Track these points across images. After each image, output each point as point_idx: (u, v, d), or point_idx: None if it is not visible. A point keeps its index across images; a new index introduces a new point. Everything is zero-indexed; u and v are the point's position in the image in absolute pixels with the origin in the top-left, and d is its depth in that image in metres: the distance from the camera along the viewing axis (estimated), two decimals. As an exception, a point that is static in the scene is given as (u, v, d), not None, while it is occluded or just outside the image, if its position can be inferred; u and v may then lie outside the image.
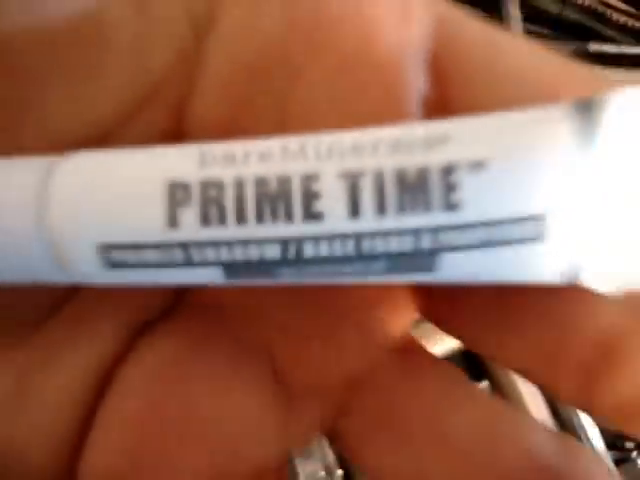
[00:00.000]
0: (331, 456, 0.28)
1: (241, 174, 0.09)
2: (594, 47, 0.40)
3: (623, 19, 0.41)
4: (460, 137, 0.09)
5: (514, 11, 0.40)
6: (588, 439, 0.30)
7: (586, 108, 0.09)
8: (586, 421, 0.31)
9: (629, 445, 0.33)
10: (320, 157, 0.09)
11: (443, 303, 0.12)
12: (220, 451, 0.11)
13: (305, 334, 0.12)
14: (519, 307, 0.11)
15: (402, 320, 0.12)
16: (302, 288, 0.11)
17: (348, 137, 0.09)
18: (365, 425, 0.12)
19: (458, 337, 0.12)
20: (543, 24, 0.42)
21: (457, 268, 0.09)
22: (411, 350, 0.12)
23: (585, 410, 0.11)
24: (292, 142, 0.09)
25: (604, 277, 0.09)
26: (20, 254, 0.10)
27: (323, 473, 0.29)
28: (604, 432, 0.31)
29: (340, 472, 0.28)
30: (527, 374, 0.11)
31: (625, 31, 0.41)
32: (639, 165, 0.08)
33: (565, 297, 0.10)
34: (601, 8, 0.41)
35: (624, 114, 0.08)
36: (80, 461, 0.11)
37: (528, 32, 0.40)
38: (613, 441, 0.32)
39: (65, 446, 0.11)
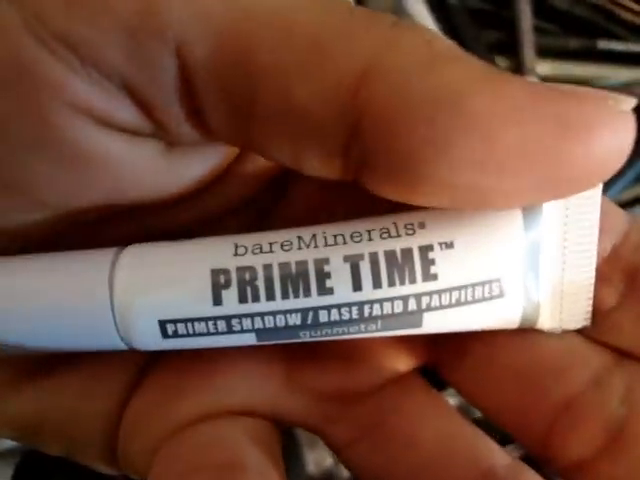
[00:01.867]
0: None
1: (268, 261, 0.12)
2: (602, 44, 0.40)
3: (632, 17, 0.41)
4: (433, 224, 0.12)
5: (524, 7, 0.41)
6: None
7: (528, 211, 0.12)
8: None
9: None
10: (328, 245, 0.12)
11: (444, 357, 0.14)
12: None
13: (327, 355, 0.14)
14: (501, 362, 0.13)
15: (405, 362, 0.14)
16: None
17: (348, 227, 0.12)
18: (352, 431, 0.14)
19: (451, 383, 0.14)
20: (552, 20, 0.42)
21: (438, 324, 0.12)
22: (406, 381, 0.14)
23: (543, 460, 0.13)
24: (305, 233, 0.12)
25: (552, 322, 0.13)
26: (94, 329, 0.12)
27: (331, 461, 0.30)
28: None
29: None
30: (500, 419, 0.13)
31: (633, 29, 0.41)
32: (566, 246, 0.12)
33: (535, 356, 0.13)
34: (610, 6, 0.41)
35: (550, 214, 0.12)
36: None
37: (537, 28, 0.41)
38: None
39: (106, 428, 0.14)
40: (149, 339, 0.12)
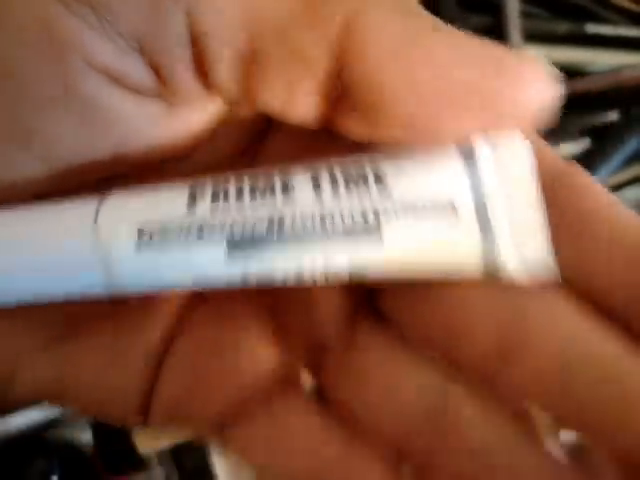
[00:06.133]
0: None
1: (239, 183, 0.13)
2: (591, 28, 0.40)
3: (620, 1, 0.41)
4: (385, 157, 0.13)
5: (512, -10, 0.40)
6: None
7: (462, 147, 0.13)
8: None
9: None
10: (290, 172, 0.13)
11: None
12: (234, 369, 0.14)
13: (298, 303, 0.15)
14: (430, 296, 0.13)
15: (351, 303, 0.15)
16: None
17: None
18: (336, 366, 0.14)
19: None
20: (540, 4, 0.41)
21: (398, 238, 0.12)
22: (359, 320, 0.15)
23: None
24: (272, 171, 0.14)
25: (517, 266, 0.13)
26: (74, 263, 0.13)
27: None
28: None
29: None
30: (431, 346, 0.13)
31: (622, 13, 0.41)
32: (510, 175, 0.13)
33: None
34: (599, -11, 0.41)
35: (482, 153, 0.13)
36: (152, 395, 0.14)
37: (525, 12, 0.40)
38: None
39: (141, 389, 0.14)
40: (123, 244, 0.12)
